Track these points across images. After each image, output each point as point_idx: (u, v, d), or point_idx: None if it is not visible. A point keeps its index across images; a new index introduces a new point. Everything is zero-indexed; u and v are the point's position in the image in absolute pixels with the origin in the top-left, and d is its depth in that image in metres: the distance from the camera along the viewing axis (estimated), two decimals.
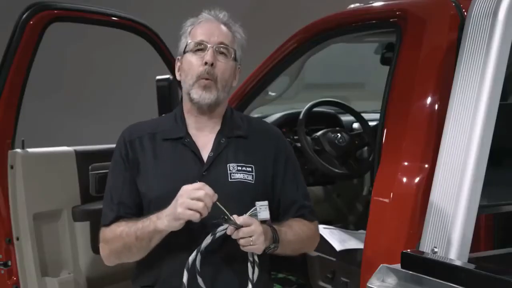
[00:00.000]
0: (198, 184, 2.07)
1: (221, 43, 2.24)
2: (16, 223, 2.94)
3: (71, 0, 3.14)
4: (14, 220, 2.94)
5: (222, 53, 2.25)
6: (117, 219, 2.23)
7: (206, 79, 2.22)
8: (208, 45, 2.23)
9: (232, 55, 2.27)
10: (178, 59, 2.33)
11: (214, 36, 2.24)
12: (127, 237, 2.18)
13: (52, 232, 3.10)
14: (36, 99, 4.64)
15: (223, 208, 2.05)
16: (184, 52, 2.28)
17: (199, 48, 2.24)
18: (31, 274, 2.97)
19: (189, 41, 2.27)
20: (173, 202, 2.09)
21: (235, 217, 2.06)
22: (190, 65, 2.25)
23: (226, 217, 2.05)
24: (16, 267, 2.94)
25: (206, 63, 2.21)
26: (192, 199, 2.04)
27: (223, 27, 2.28)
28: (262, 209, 2.10)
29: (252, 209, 2.10)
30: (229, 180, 2.22)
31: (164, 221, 2.10)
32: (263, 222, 2.11)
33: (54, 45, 4.42)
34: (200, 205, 2.04)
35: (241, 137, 2.31)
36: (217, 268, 2.18)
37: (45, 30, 2.97)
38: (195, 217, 2.05)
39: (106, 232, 2.25)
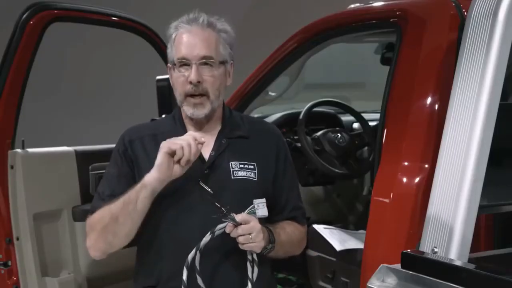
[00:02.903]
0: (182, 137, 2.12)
1: (204, 57, 2.21)
2: (16, 223, 2.94)
3: (71, 0, 3.14)
4: (14, 220, 2.94)
5: (207, 64, 2.22)
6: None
7: (196, 96, 2.21)
8: (191, 62, 2.20)
9: (218, 63, 2.23)
10: (168, 67, 2.32)
11: (195, 49, 2.21)
12: (114, 207, 2.15)
13: (52, 232, 3.10)
14: (36, 99, 4.64)
15: (219, 206, 2.07)
16: (171, 63, 2.27)
17: (183, 63, 2.22)
18: (31, 274, 2.97)
19: (173, 56, 2.25)
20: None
21: (233, 215, 2.07)
22: (177, 83, 2.25)
23: (225, 211, 2.05)
24: (16, 267, 2.94)
25: (191, 82, 2.20)
26: (173, 144, 2.09)
27: (206, 33, 2.23)
28: (260, 207, 2.11)
29: (250, 207, 2.11)
30: (232, 178, 2.23)
31: (148, 176, 2.12)
32: (261, 219, 2.12)
33: (54, 45, 4.42)
34: (178, 145, 2.08)
35: (242, 137, 2.32)
36: (217, 267, 2.18)
37: (45, 30, 2.97)
38: (175, 147, 2.08)
39: (91, 219, 2.22)
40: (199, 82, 2.19)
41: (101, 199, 2.25)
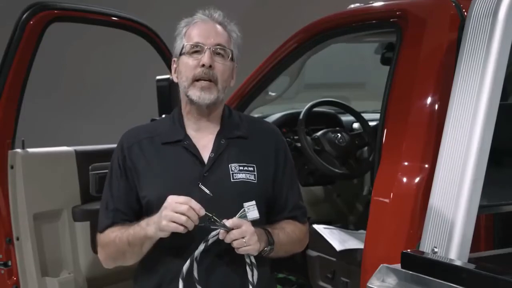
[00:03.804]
0: (182, 198, 2.07)
1: (218, 44, 2.23)
2: (16, 223, 2.94)
3: (71, 0, 3.14)
4: (14, 220, 2.94)
5: (219, 54, 2.23)
6: (112, 225, 2.24)
7: (205, 80, 2.21)
8: (205, 47, 2.21)
9: (230, 56, 2.25)
10: (174, 60, 2.32)
11: (210, 37, 2.23)
12: (120, 243, 2.19)
13: (52, 232, 3.10)
14: (36, 99, 4.64)
15: (209, 214, 2.06)
16: (181, 54, 2.26)
17: (196, 50, 2.23)
18: (31, 274, 2.97)
19: (185, 43, 2.25)
20: (159, 212, 2.10)
21: (224, 221, 2.07)
22: (187, 67, 2.23)
23: (213, 219, 2.05)
24: (16, 267, 2.94)
25: (203, 65, 2.20)
26: (176, 212, 2.05)
27: (219, 27, 2.26)
28: (251, 209, 2.11)
29: (240, 211, 2.11)
30: (232, 180, 2.22)
31: (152, 228, 2.12)
32: (253, 222, 2.12)
33: (54, 45, 4.42)
34: (183, 219, 2.04)
35: (241, 137, 2.31)
36: (216, 274, 2.17)
37: (45, 30, 2.97)
38: (179, 230, 2.06)
39: (101, 238, 2.27)
40: (210, 66, 2.20)
41: (106, 215, 2.27)
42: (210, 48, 2.21)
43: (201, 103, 2.23)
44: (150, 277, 2.24)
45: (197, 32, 2.25)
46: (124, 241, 2.18)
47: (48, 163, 3.11)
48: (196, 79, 2.21)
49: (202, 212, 2.06)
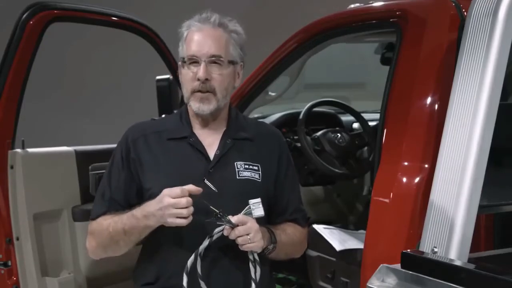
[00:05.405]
0: (176, 191, 2.08)
1: (213, 55, 2.22)
2: (16, 223, 2.94)
3: (71, 0, 3.14)
4: (14, 220, 2.93)
5: (216, 63, 2.23)
6: (105, 214, 2.26)
7: (203, 92, 2.22)
8: (200, 60, 2.21)
9: (227, 63, 2.25)
10: (178, 64, 2.34)
11: (205, 48, 2.22)
12: (114, 232, 2.20)
13: (52, 232, 3.10)
14: (36, 99, 4.64)
15: (215, 210, 2.08)
16: (181, 60, 2.29)
17: (193, 61, 2.24)
18: (31, 274, 2.97)
19: (184, 53, 2.26)
20: (156, 204, 2.10)
21: (229, 217, 2.08)
22: (185, 79, 2.26)
23: (219, 215, 2.06)
24: (16, 267, 2.94)
25: (199, 79, 2.21)
26: (177, 208, 2.07)
27: (216, 32, 2.25)
28: (256, 206, 2.12)
29: (246, 208, 2.12)
30: (237, 177, 2.24)
31: (152, 221, 2.13)
32: (257, 219, 2.12)
33: (54, 45, 4.42)
34: (184, 212, 2.06)
35: (247, 139, 2.32)
36: (219, 270, 2.19)
37: (45, 30, 2.96)
38: (185, 223, 2.08)
39: (93, 225, 2.28)
40: (207, 79, 2.21)
41: (101, 203, 2.29)
42: (204, 60, 2.21)
43: (201, 114, 2.26)
44: (148, 272, 2.25)
45: (193, 41, 2.24)
46: (119, 230, 2.18)
47: (48, 163, 3.11)
48: (194, 91, 2.23)
49: (200, 190, 2.09)
